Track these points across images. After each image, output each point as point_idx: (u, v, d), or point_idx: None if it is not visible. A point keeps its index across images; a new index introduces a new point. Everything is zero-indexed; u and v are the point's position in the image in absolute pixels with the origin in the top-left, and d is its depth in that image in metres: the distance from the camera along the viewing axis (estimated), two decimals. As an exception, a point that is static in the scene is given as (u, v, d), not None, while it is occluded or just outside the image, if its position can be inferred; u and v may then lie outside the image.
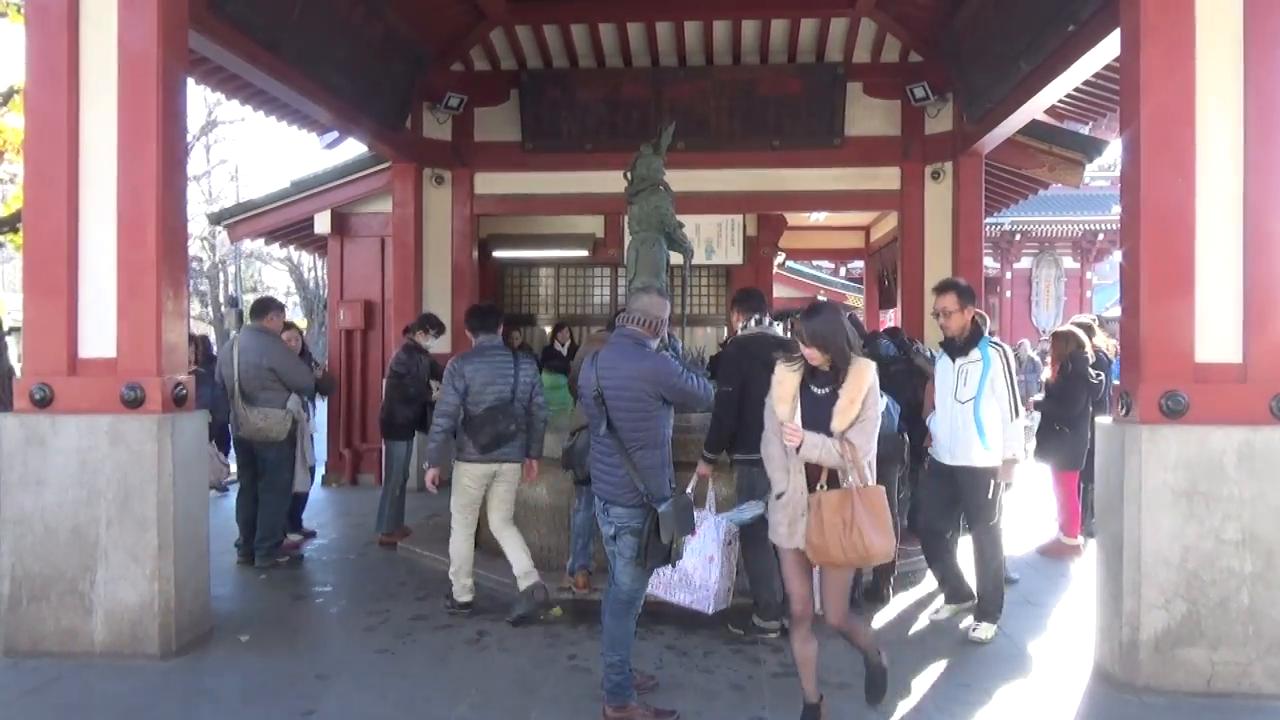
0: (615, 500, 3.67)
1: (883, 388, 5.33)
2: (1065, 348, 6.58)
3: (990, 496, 4.72)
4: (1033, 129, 8.51)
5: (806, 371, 3.50)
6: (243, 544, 6.38)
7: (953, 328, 4.82)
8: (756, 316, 4.99)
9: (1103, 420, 4.54)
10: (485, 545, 6.14)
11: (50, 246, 4.52)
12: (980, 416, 4.66)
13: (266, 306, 6.66)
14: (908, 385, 6.15)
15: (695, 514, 4.31)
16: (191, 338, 7.37)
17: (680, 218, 6.35)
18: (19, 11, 8.92)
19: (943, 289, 4.84)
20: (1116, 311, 5.51)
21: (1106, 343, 7.09)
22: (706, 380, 3.82)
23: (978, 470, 4.73)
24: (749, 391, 4.56)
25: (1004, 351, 4.72)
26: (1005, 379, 4.67)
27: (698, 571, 4.30)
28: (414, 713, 3.87)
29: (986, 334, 4.81)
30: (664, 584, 4.31)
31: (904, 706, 3.93)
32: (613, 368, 3.67)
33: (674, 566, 4.18)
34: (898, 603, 5.40)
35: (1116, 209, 19.53)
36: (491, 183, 9.57)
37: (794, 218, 12.22)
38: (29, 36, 4.57)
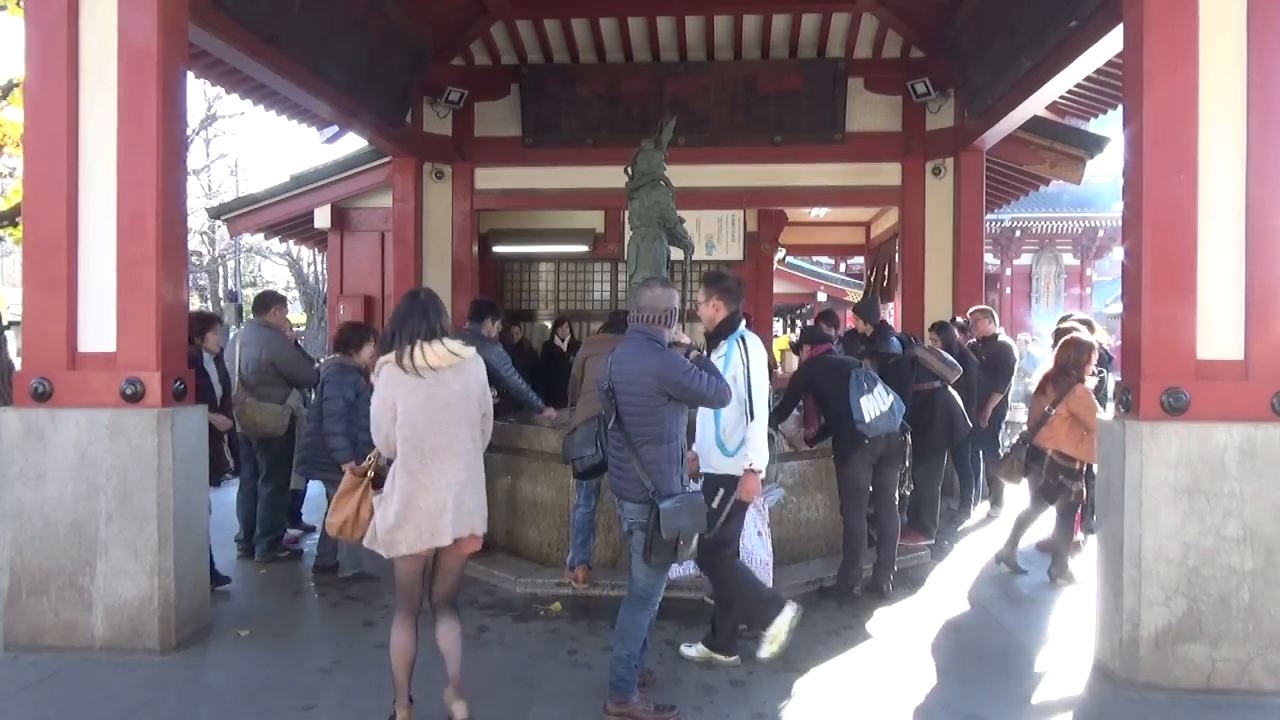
0: (626, 495, 3.69)
1: (885, 383, 5.39)
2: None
3: (714, 506, 4.14)
4: (1034, 125, 8.50)
5: None
6: (243, 539, 6.38)
7: (704, 320, 4.44)
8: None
9: (1104, 417, 4.53)
10: (500, 545, 6.17)
11: (50, 240, 4.51)
12: (719, 418, 4.19)
13: (268, 301, 6.64)
14: (909, 381, 6.16)
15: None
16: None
17: (681, 213, 6.35)
18: (18, 4, 8.89)
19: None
20: (1117, 308, 5.51)
21: (1106, 339, 7.07)
22: (720, 380, 3.70)
23: (712, 477, 4.25)
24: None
25: (745, 345, 4.19)
26: (744, 376, 4.13)
27: (755, 549, 4.44)
28: (414, 708, 3.86)
29: (744, 326, 4.36)
30: None
31: (905, 703, 3.94)
32: (623, 363, 3.69)
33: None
34: (898, 599, 5.40)
35: (1117, 205, 19.52)
36: (492, 177, 9.55)
37: (794, 213, 12.21)
38: (28, 29, 4.56)
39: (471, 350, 3.57)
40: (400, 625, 3.54)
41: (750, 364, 4.17)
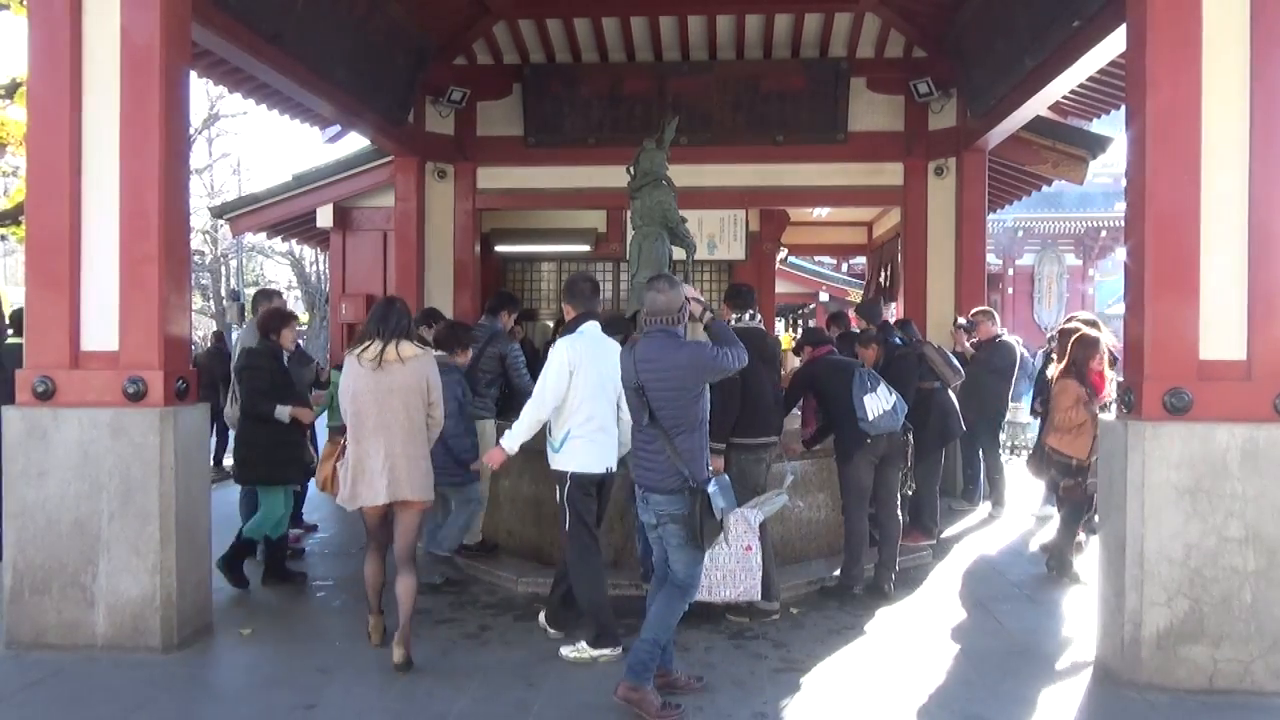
0: (656, 488, 3.76)
1: (888, 379, 5.41)
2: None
3: (557, 499, 4.47)
4: (1037, 125, 8.49)
5: None
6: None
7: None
8: (751, 312, 5.21)
9: (1106, 417, 4.53)
10: (502, 545, 6.18)
11: (52, 240, 4.51)
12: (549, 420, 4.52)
13: (258, 300, 6.62)
14: (913, 378, 6.16)
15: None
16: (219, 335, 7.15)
17: (683, 213, 6.36)
18: (21, 3, 8.91)
19: None
20: (1120, 308, 5.50)
21: (1111, 339, 7.05)
22: (737, 345, 3.83)
23: (550, 473, 4.54)
24: (748, 379, 4.85)
25: (556, 347, 4.51)
26: (543, 372, 4.46)
27: (740, 565, 4.54)
28: (416, 706, 3.87)
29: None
30: (708, 586, 4.49)
31: (906, 703, 3.94)
32: (652, 360, 3.77)
33: (711, 559, 4.34)
34: (899, 599, 5.40)
35: (1119, 205, 19.50)
36: (494, 177, 9.56)
37: (796, 213, 12.20)
38: (31, 29, 4.56)
39: (420, 351, 4.32)
40: (370, 558, 4.52)
41: (548, 360, 4.46)
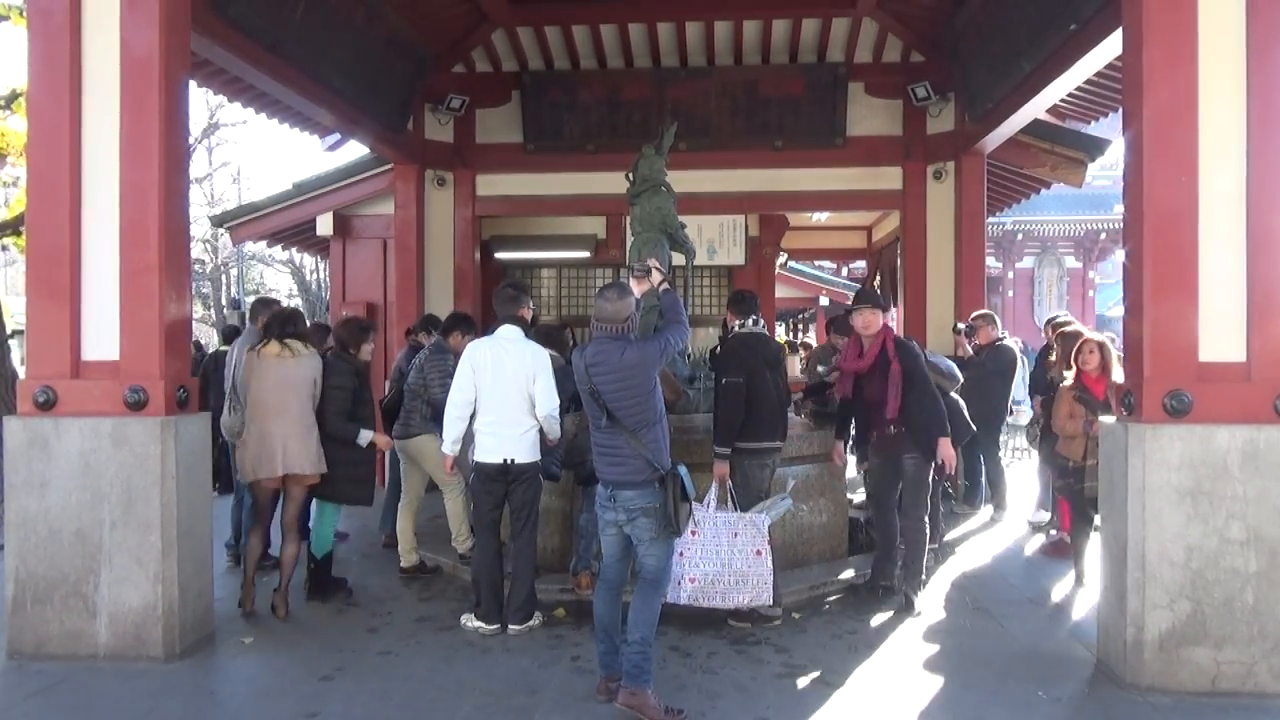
0: (625, 484, 3.80)
1: None
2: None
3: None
4: (1035, 128, 8.50)
5: None
6: (233, 544, 6.34)
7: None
8: (754, 317, 5.26)
9: (1106, 419, 4.53)
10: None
11: (53, 249, 4.53)
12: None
13: (257, 310, 6.50)
14: None
15: (726, 513, 4.71)
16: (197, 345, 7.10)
17: (682, 218, 6.36)
18: (21, 15, 8.93)
19: None
20: (1119, 311, 5.50)
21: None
22: (680, 325, 4.03)
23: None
24: (752, 384, 4.96)
25: (464, 351, 4.98)
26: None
27: (751, 569, 4.58)
28: (418, 714, 3.87)
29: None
30: (720, 592, 4.57)
31: (908, 706, 3.93)
32: (602, 363, 3.83)
33: (724, 565, 4.49)
34: (901, 602, 5.39)
35: (1119, 208, 19.53)
36: (493, 184, 9.57)
37: (796, 218, 12.20)
38: (31, 39, 4.58)
39: (305, 348, 5.11)
40: (254, 534, 5.23)
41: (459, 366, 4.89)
